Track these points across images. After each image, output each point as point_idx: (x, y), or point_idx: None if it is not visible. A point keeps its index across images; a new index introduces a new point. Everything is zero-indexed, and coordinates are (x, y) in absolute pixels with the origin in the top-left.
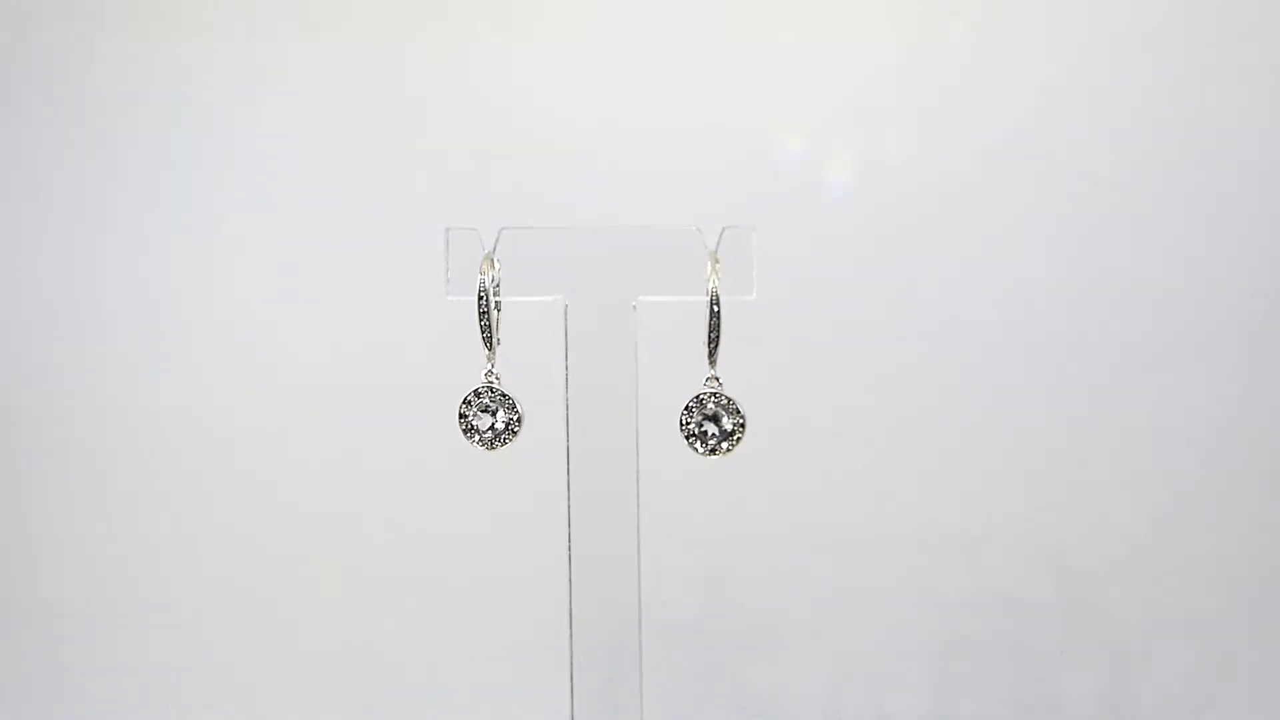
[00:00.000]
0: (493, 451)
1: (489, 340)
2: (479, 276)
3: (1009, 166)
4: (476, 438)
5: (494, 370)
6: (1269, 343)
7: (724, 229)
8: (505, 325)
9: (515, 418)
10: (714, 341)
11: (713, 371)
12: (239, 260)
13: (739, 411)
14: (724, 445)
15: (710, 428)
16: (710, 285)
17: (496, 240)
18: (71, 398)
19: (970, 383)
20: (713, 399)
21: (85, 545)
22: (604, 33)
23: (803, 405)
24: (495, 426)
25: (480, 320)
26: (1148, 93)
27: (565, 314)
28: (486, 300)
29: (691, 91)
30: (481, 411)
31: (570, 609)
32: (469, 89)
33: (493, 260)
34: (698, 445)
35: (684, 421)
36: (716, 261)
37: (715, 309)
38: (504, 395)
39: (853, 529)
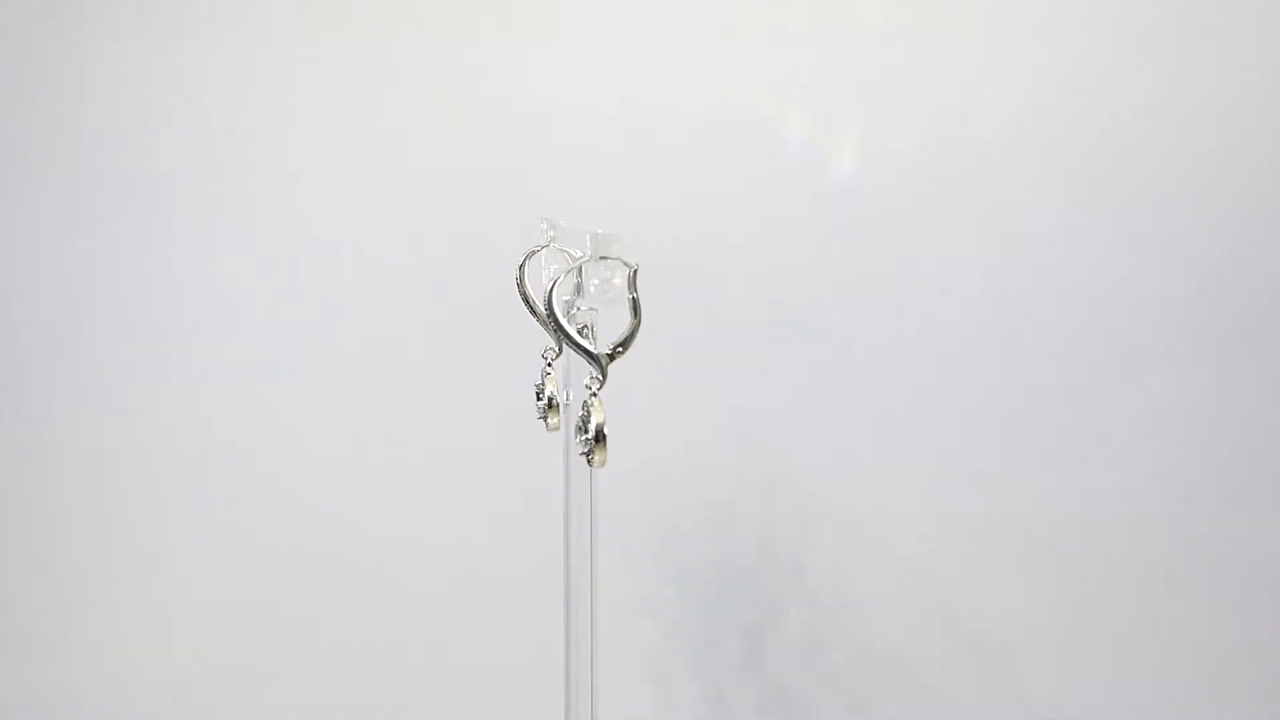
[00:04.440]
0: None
1: (553, 331)
2: (517, 271)
3: (1007, 166)
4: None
5: (546, 359)
6: (1269, 343)
7: (591, 234)
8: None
9: (545, 403)
10: (576, 349)
11: (585, 380)
12: (242, 262)
13: (582, 428)
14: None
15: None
16: (545, 290)
17: (550, 237)
18: (79, 399)
19: (968, 381)
20: (583, 408)
21: (98, 544)
22: (606, 34)
23: (800, 402)
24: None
25: (528, 306)
26: (1149, 93)
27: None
28: (522, 290)
29: (692, 92)
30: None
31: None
32: (469, 88)
33: (572, 255)
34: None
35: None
36: (630, 265)
37: (547, 313)
38: (540, 387)
39: (845, 527)
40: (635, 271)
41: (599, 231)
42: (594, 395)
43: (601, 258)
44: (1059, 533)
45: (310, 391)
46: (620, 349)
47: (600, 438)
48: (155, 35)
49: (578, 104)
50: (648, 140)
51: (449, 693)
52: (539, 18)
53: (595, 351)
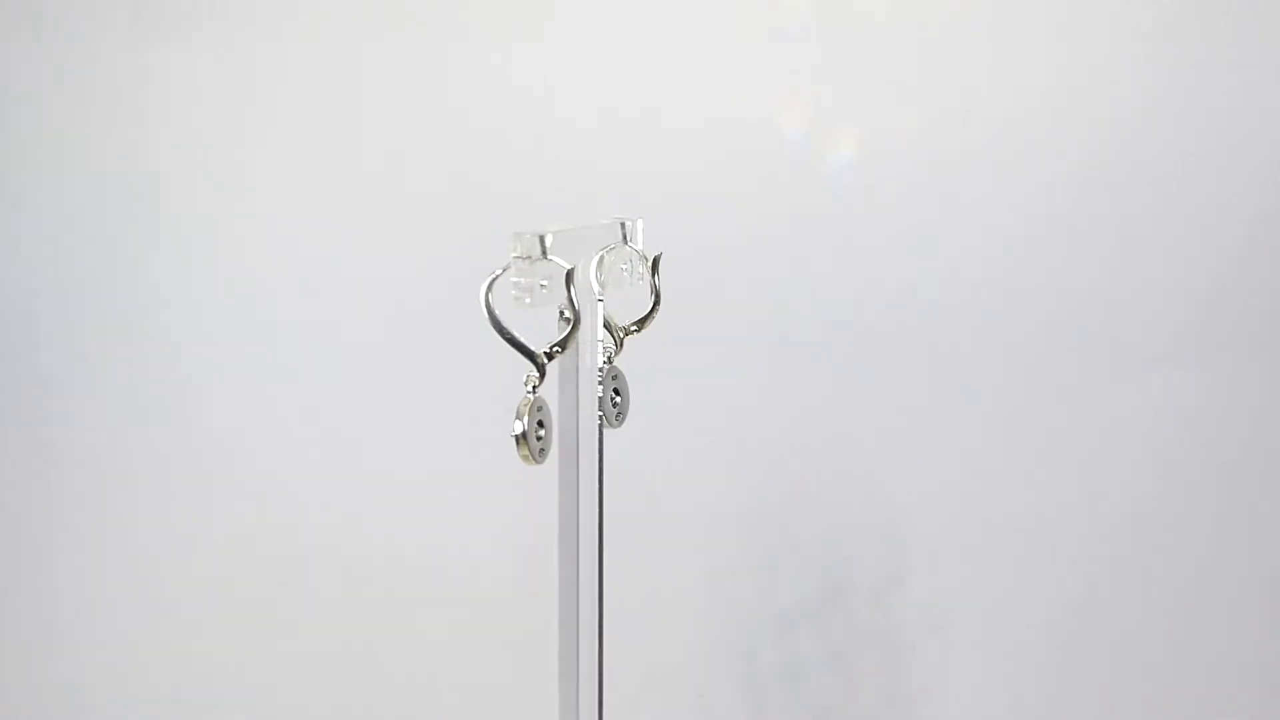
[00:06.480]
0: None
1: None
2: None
3: (1007, 166)
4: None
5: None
6: (1269, 343)
7: (546, 235)
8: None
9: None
10: (515, 346)
11: (522, 379)
12: (241, 262)
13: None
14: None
15: None
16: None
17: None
18: (79, 398)
19: (968, 381)
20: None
21: (98, 544)
22: (608, 34)
23: (798, 402)
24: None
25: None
26: (1149, 93)
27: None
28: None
29: (692, 92)
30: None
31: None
32: (467, 88)
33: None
34: None
35: None
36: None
37: (486, 310)
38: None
39: (843, 526)
40: (571, 272)
41: (525, 234)
42: (530, 393)
43: (523, 257)
44: (1059, 533)
45: (310, 392)
46: (558, 349)
47: (520, 438)
48: (154, 35)
49: (576, 103)
50: (647, 140)
51: (449, 694)
52: (537, 17)
53: (533, 351)
